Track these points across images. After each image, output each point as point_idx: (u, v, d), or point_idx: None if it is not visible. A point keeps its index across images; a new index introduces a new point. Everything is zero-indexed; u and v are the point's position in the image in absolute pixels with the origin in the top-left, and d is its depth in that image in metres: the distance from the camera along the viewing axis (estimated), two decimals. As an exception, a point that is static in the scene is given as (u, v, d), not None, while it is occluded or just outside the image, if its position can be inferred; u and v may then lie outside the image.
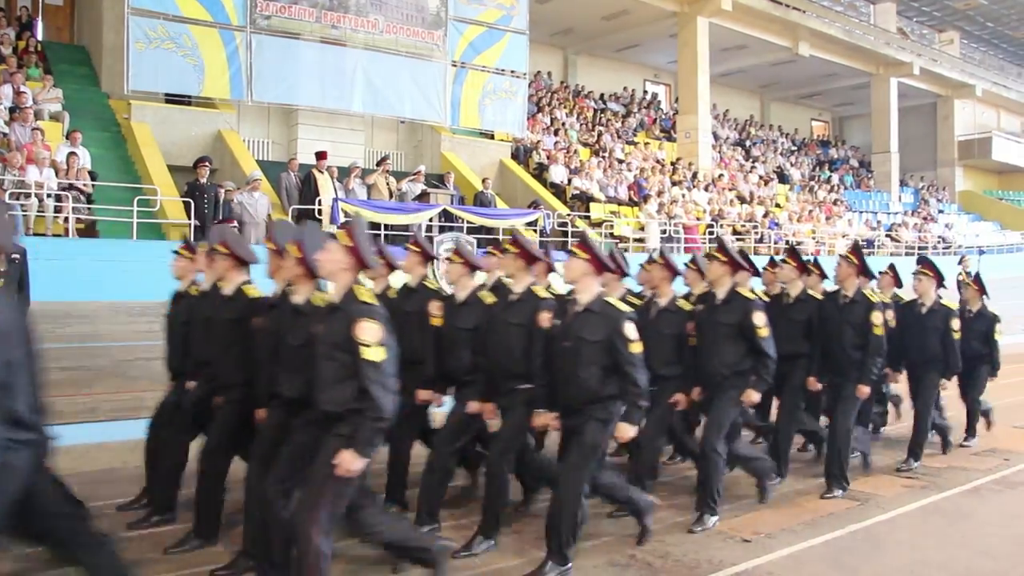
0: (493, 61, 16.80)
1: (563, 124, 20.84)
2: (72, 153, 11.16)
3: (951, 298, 6.79)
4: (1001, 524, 5.06)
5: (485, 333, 4.57)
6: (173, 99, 14.04)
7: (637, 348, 4.00)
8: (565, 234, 15.16)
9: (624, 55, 25.62)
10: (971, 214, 30.51)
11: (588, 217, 16.59)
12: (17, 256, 6.74)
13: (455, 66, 16.22)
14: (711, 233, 18.21)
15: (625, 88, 25.91)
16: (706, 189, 20.48)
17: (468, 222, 13.74)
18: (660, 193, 18.62)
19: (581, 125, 21.67)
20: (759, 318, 4.90)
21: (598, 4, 21.27)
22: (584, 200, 17.19)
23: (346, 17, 14.78)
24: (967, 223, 29.34)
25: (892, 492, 5.68)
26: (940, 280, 6.41)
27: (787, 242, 19.62)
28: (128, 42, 12.76)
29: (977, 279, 7.34)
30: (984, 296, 7.23)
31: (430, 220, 13.44)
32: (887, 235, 24.20)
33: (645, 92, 27.04)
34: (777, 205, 22.45)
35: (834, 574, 4.22)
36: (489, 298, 4.75)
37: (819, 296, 5.83)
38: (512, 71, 17.16)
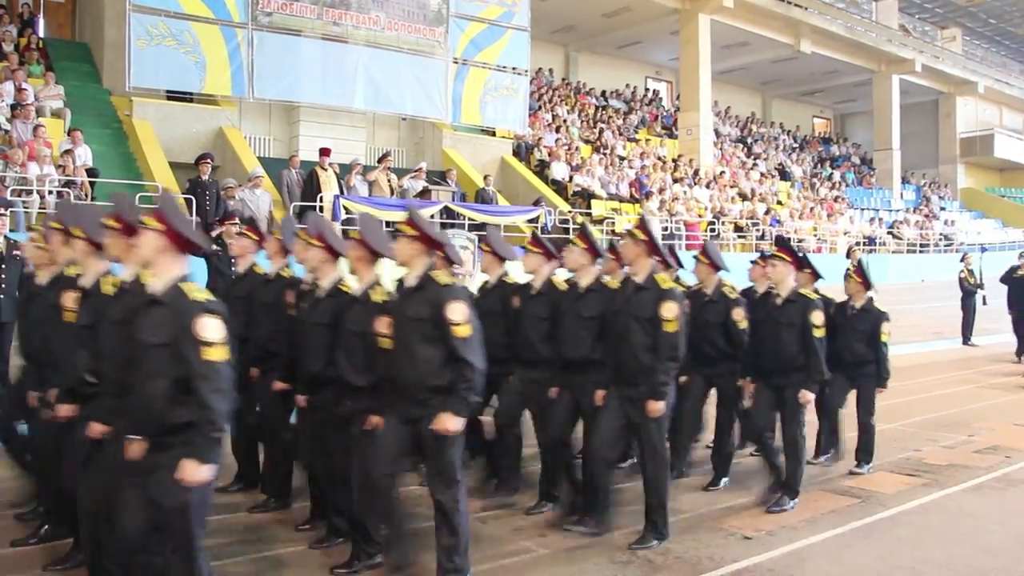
0: (494, 58, 16.78)
1: (564, 121, 20.82)
2: (69, 151, 11.14)
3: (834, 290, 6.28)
4: (1003, 521, 5.06)
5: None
6: (174, 96, 14.02)
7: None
8: (566, 231, 15.14)
9: (625, 52, 25.58)
10: (973, 211, 30.47)
11: (589, 214, 16.58)
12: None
13: (456, 63, 16.20)
14: (712, 230, 18.19)
15: (627, 85, 25.87)
16: (707, 186, 20.46)
17: (469, 219, 13.73)
18: (661, 190, 18.61)
19: (582, 122, 21.65)
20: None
21: (599, 1, 21.23)
22: (585, 197, 17.18)
23: (347, 14, 14.76)
24: (969, 220, 29.31)
25: (893, 489, 5.68)
26: (800, 265, 5.40)
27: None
28: (129, 39, 12.75)
29: (860, 270, 6.20)
30: (870, 290, 6.14)
31: (431, 217, 13.42)
32: (888, 232, 24.17)
33: (647, 89, 27.01)
34: (779, 202, 22.43)
35: (835, 571, 4.22)
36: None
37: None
38: (513, 68, 17.14)
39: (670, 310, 4.31)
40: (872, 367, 6.00)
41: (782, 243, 5.57)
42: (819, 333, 5.08)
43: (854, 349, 5.93)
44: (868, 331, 5.96)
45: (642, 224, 4.51)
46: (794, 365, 5.14)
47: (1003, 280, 12.80)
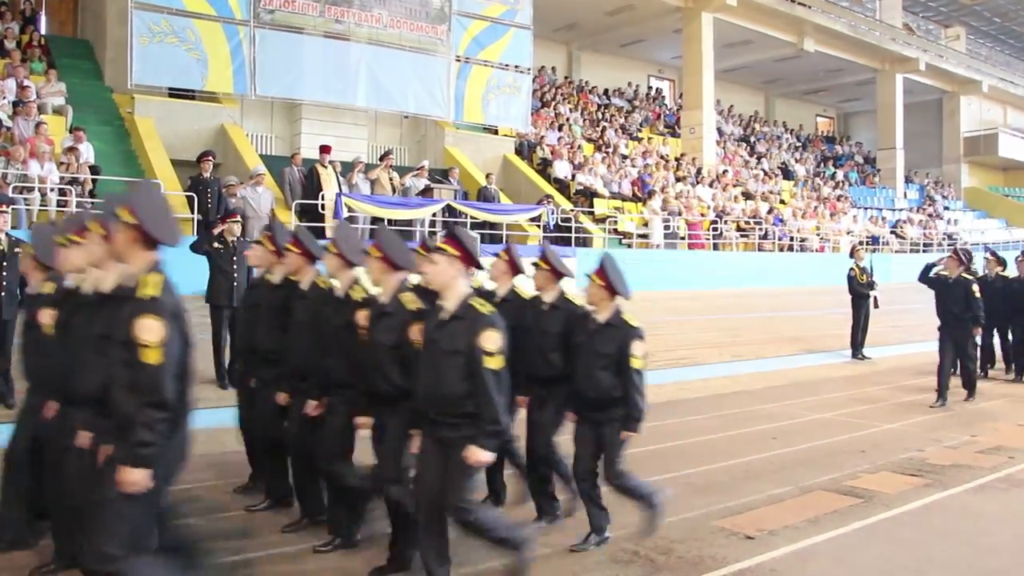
0: (497, 56, 16.77)
1: (567, 119, 20.80)
2: (71, 148, 11.14)
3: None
4: (1006, 522, 5.03)
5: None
6: (176, 93, 14.04)
7: None
8: (569, 230, 15.13)
9: (628, 50, 25.56)
10: (977, 211, 30.43)
11: (592, 213, 16.56)
12: None
13: (459, 61, 16.20)
14: (715, 229, 18.18)
15: (629, 83, 25.86)
16: (710, 185, 20.43)
17: (472, 217, 13.72)
18: (664, 189, 18.58)
19: (585, 120, 21.63)
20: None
21: (602, -1, 21.24)
22: (588, 196, 17.16)
23: (350, 11, 14.75)
24: (972, 220, 29.26)
25: (896, 490, 5.64)
26: (559, 274, 4.71)
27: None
28: (132, 36, 12.75)
29: (602, 271, 4.38)
30: (617, 297, 4.39)
31: (433, 215, 13.42)
32: (892, 232, 24.13)
33: (649, 88, 27.00)
34: (782, 201, 22.41)
35: (838, 571, 4.20)
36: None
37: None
38: (516, 66, 17.13)
39: (489, 339, 3.54)
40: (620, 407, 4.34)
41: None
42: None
43: (597, 379, 4.34)
44: (615, 354, 4.30)
45: (452, 237, 3.72)
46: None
47: (924, 280, 9.53)
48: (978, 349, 9.75)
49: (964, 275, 8.95)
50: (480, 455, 3.52)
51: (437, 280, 3.65)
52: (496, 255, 4.93)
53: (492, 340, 3.49)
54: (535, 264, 4.80)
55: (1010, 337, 10.89)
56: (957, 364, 9.16)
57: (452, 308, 3.60)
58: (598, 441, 4.37)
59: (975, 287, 8.90)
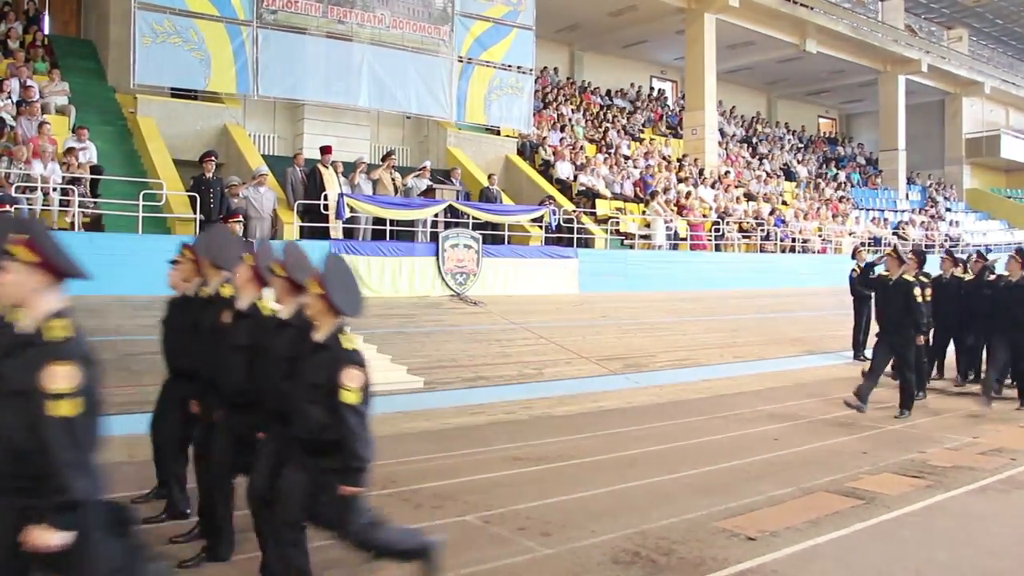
0: (499, 57, 16.77)
1: (569, 120, 20.81)
2: (72, 148, 11.15)
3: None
4: (1008, 523, 5.02)
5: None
6: (179, 93, 14.05)
7: None
8: (571, 230, 15.14)
9: (631, 51, 25.56)
10: (978, 212, 30.40)
11: (594, 213, 16.56)
12: None
13: (461, 61, 16.21)
14: (717, 230, 18.17)
15: (632, 84, 25.87)
16: (712, 186, 20.43)
17: (473, 218, 13.73)
18: (666, 190, 18.58)
19: (587, 121, 21.63)
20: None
21: (605, 0, 21.21)
22: (590, 196, 17.16)
23: (352, 12, 14.76)
24: (974, 221, 29.25)
25: (897, 491, 5.64)
26: (295, 284, 3.79)
27: (793, 239, 19.62)
28: (134, 36, 12.77)
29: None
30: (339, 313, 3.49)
31: (435, 216, 13.42)
32: (894, 233, 24.11)
33: (651, 88, 27.00)
34: (784, 202, 22.39)
35: (840, 573, 4.20)
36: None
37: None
38: (518, 67, 17.14)
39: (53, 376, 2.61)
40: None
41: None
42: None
43: (305, 415, 3.45)
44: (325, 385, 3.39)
45: (31, 239, 2.60)
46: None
47: (863, 282, 9.51)
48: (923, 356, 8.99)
49: (906, 277, 8.19)
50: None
51: (8, 295, 2.55)
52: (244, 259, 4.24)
53: (60, 377, 2.43)
54: (270, 270, 3.93)
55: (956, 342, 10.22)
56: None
57: (28, 327, 2.53)
58: (311, 494, 3.44)
59: (917, 291, 8.14)
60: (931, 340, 9.80)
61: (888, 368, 8.59)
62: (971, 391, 9.81)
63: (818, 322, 14.38)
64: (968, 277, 10.26)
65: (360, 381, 3.34)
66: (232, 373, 4.02)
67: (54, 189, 10.44)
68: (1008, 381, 9.38)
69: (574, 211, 15.88)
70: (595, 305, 13.41)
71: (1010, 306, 8.79)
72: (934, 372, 10.70)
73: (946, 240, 24.77)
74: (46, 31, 15.36)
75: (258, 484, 3.70)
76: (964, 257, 11.14)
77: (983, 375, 9.57)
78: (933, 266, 10.80)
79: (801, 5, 23.40)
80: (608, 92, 24.58)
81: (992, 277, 9.67)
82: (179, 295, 4.83)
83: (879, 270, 8.35)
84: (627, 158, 19.94)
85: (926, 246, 23.26)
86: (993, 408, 8.65)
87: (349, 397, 3.31)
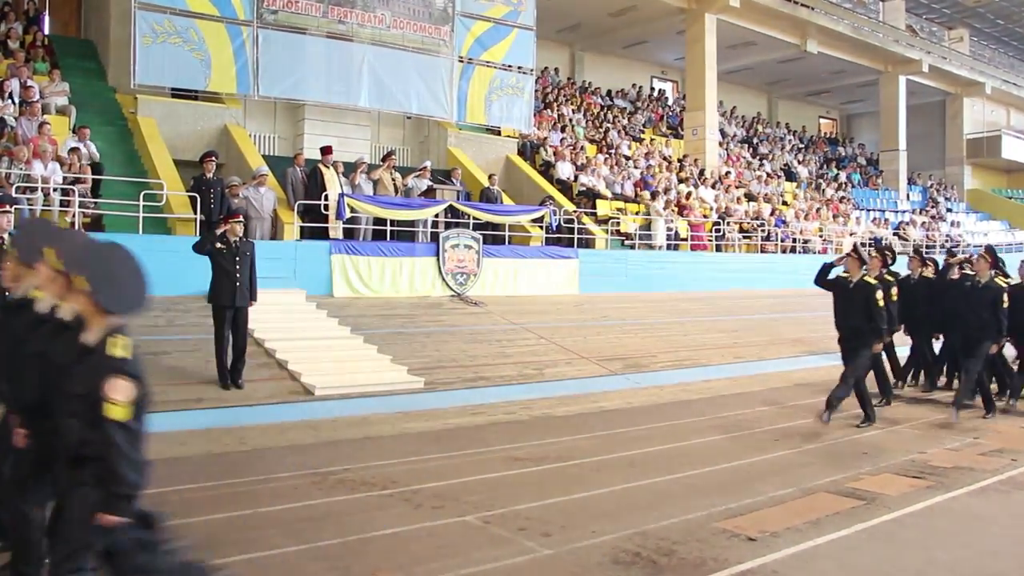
0: (500, 57, 16.77)
1: (570, 120, 20.80)
2: (75, 148, 11.15)
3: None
4: (1009, 524, 5.02)
5: None
6: (179, 93, 14.05)
7: None
8: (571, 231, 15.13)
9: (631, 51, 25.56)
10: (979, 213, 30.37)
11: (594, 214, 16.56)
12: None
13: (462, 62, 16.20)
14: (717, 230, 18.17)
15: (632, 85, 25.87)
16: (713, 186, 20.42)
17: (474, 218, 13.72)
18: (667, 190, 18.57)
19: (588, 121, 21.63)
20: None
21: (605, 0, 21.21)
22: (590, 197, 17.15)
23: (353, 12, 14.76)
24: (975, 222, 29.22)
25: (898, 492, 5.64)
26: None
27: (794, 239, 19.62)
28: (135, 36, 12.76)
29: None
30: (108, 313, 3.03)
31: (436, 216, 13.42)
32: (894, 234, 24.10)
33: (652, 89, 26.99)
34: (784, 203, 22.38)
35: (840, 573, 4.19)
36: None
37: None
38: (519, 67, 17.13)
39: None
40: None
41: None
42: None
43: (65, 428, 3.04)
44: (87, 396, 2.96)
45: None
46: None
47: (820, 283, 7.98)
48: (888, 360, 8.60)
49: (867, 279, 7.64)
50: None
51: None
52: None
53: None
54: (40, 255, 3.32)
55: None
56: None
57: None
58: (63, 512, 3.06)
59: (879, 293, 7.56)
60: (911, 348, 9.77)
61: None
62: (935, 398, 9.50)
63: (819, 323, 14.33)
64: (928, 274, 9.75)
65: (129, 394, 2.84)
66: (25, 385, 3.32)
67: (54, 189, 10.44)
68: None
69: (574, 211, 15.88)
70: (595, 305, 13.41)
71: (976, 309, 8.23)
72: (918, 379, 10.34)
73: (947, 240, 24.75)
74: (46, 31, 15.36)
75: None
76: (935, 256, 10.58)
77: (956, 383, 9.13)
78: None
79: (802, 5, 23.38)
80: (609, 92, 24.57)
81: (956, 276, 9.18)
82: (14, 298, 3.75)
83: (838, 271, 7.71)
84: (628, 158, 19.94)
85: (927, 247, 23.26)
86: (960, 419, 8.12)
87: (115, 412, 2.82)
